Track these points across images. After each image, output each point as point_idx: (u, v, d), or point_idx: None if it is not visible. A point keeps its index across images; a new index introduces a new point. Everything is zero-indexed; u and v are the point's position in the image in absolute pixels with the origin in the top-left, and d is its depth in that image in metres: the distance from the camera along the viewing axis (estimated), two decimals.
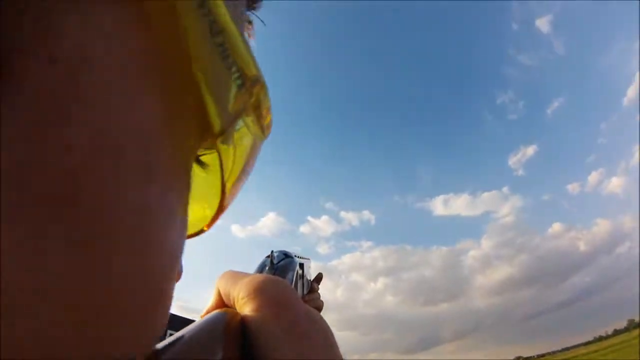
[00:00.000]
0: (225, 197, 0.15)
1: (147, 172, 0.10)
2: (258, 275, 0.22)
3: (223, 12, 0.12)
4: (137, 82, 0.10)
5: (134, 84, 0.10)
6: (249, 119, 0.14)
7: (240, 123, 0.14)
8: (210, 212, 0.17)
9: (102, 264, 0.09)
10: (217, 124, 0.13)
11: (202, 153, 0.15)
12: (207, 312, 0.22)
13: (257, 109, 0.14)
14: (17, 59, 0.08)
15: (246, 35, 0.19)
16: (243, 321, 0.20)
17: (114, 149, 0.09)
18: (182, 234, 0.13)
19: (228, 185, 0.15)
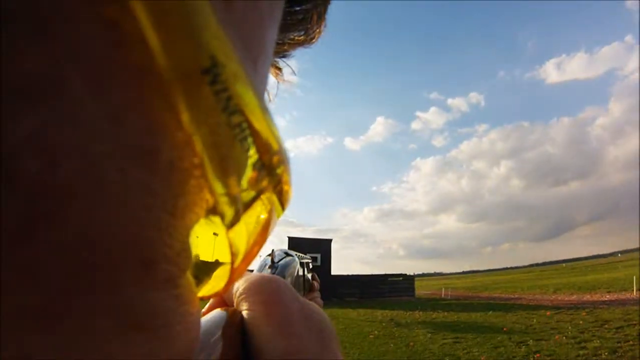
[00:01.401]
0: (234, 278, 0.15)
1: (146, 267, 0.10)
2: (256, 274, 0.22)
3: (244, 88, 0.11)
4: (134, 178, 0.09)
5: (130, 180, 0.09)
6: (266, 196, 0.13)
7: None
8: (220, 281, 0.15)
9: None
10: (228, 214, 0.12)
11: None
12: (208, 311, 0.22)
13: (278, 186, 0.13)
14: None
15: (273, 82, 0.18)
16: (242, 320, 0.20)
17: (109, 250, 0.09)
18: (195, 332, 0.13)
19: (238, 268, 0.14)
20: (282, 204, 0.14)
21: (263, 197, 0.13)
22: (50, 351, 0.08)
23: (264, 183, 0.13)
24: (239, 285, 0.21)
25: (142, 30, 0.09)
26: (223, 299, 0.23)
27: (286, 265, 0.41)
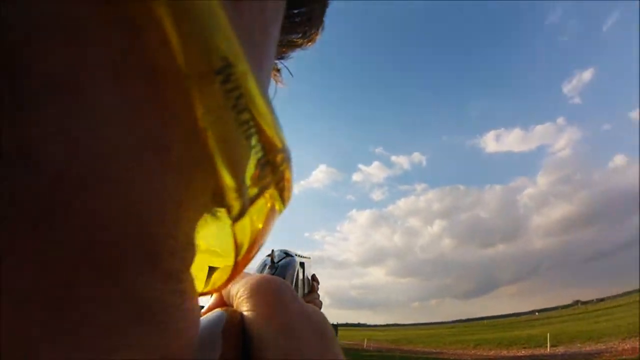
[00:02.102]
0: (236, 272, 0.15)
1: (152, 259, 0.10)
2: (256, 275, 0.23)
3: (252, 87, 0.11)
4: (146, 169, 0.10)
5: (142, 171, 0.09)
6: (269, 193, 0.13)
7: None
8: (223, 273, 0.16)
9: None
10: (235, 207, 0.12)
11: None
12: (207, 311, 0.22)
13: (280, 183, 0.14)
14: None
15: (272, 84, 0.19)
16: (242, 320, 0.20)
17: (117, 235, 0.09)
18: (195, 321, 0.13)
19: (241, 263, 0.15)
20: (283, 200, 0.14)
21: (266, 193, 0.13)
22: (54, 340, 0.08)
23: (268, 180, 0.13)
24: (239, 286, 0.21)
25: (164, 31, 0.09)
26: (223, 299, 0.23)
27: (286, 266, 0.41)
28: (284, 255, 0.43)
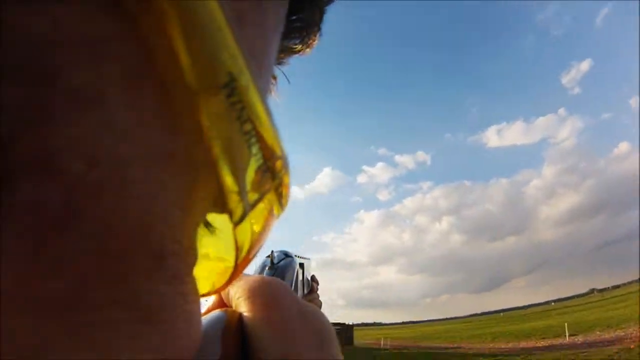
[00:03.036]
0: (236, 275, 0.15)
1: (157, 262, 0.10)
2: (255, 276, 0.23)
3: (254, 98, 0.12)
4: (155, 177, 0.10)
5: (151, 179, 0.10)
6: (268, 197, 0.14)
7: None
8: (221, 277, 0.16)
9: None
10: (237, 210, 0.13)
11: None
12: (207, 312, 0.22)
13: (279, 187, 0.14)
14: None
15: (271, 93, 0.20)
16: (241, 321, 0.20)
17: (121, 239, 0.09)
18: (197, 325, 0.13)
19: (241, 265, 0.15)
20: (282, 204, 0.15)
21: (265, 197, 0.14)
22: (63, 341, 0.09)
23: (268, 185, 0.14)
24: (238, 287, 0.21)
25: (174, 48, 0.10)
26: (222, 300, 0.23)
27: (285, 267, 0.42)
28: (284, 256, 0.43)
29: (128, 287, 0.10)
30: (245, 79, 0.11)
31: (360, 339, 30.69)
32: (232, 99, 0.11)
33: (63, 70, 0.08)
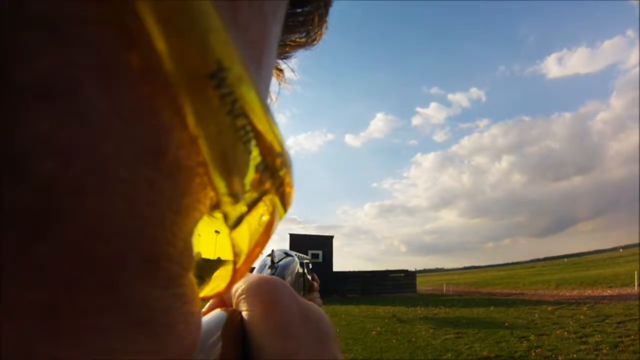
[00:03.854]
0: (235, 279, 0.15)
1: (149, 265, 0.10)
2: (256, 275, 0.23)
3: (248, 91, 0.11)
4: (141, 176, 0.09)
5: (137, 179, 0.09)
6: (269, 198, 0.13)
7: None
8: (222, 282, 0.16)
9: None
10: (231, 215, 0.12)
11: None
12: (208, 311, 0.22)
13: (280, 188, 0.13)
14: None
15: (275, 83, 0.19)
16: (242, 320, 0.20)
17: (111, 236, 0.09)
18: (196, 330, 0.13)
19: (240, 269, 0.14)
20: (284, 205, 0.14)
21: (265, 198, 0.13)
22: (53, 347, 0.08)
23: (267, 185, 0.13)
24: (239, 286, 0.21)
25: (149, 35, 0.09)
26: (223, 300, 0.23)
27: (286, 266, 0.42)
28: (284, 255, 0.43)
29: (118, 293, 0.09)
30: (238, 69, 0.10)
31: (422, 285, 32.39)
32: (222, 91, 0.10)
33: (26, 55, 0.07)
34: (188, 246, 0.11)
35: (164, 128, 0.10)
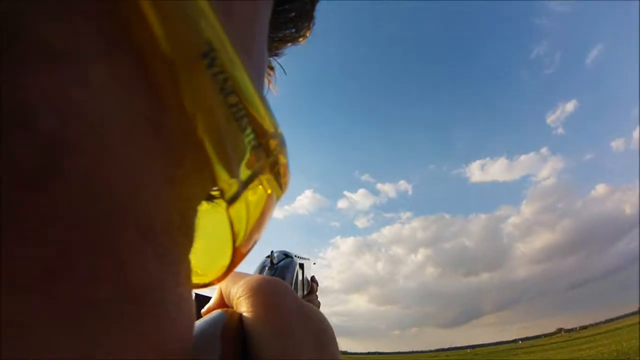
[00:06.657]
0: (235, 261, 0.15)
1: (144, 235, 0.10)
2: (256, 276, 0.23)
3: (239, 72, 0.11)
4: (137, 143, 0.10)
5: (133, 145, 0.10)
6: (265, 177, 0.13)
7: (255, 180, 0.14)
8: (220, 266, 0.16)
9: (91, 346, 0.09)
10: (227, 191, 0.12)
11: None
12: (208, 312, 0.22)
13: (275, 167, 0.14)
14: None
15: (265, 84, 0.20)
16: (241, 321, 0.20)
17: (108, 210, 0.09)
18: (190, 312, 0.13)
19: (240, 249, 0.14)
20: (281, 185, 0.14)
21: (262, 177, 0.13)
22: (47, 321, 0.08)
23: (262, 162, 0.13)
24: (238, 287, 0.21)
25: (144, 14, 0.09)
26: (222, 300, 0.23)
27: (285, 267, 0.42)
28: (284, 256, 0.43)
29: (113, 258, 0.09)
30: (229, 51, 0.11)
31: None
32: (213, 69, 0.11)
33: (33, 22, 0.08)
34: (185, 223, 0.11)
35: (160, 101, 0.10)
